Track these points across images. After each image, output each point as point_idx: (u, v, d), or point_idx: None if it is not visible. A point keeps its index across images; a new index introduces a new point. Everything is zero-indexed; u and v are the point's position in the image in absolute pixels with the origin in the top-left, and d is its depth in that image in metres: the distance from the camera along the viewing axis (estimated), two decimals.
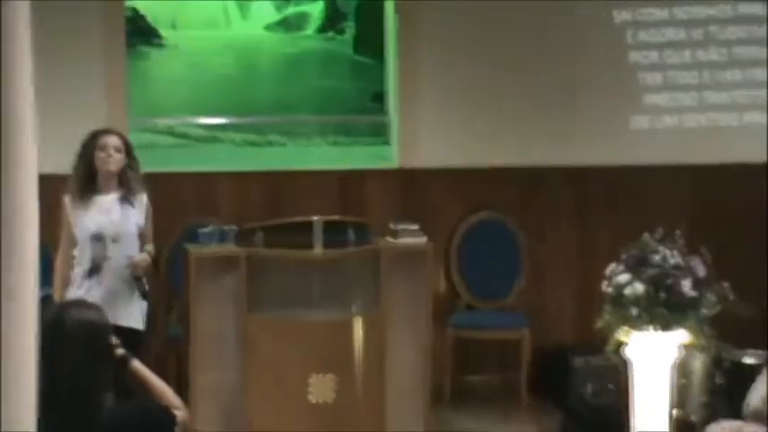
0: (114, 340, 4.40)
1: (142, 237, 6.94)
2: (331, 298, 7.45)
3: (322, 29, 9.40)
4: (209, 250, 7.40)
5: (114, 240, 6.80)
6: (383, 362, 7.47)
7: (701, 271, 7.06)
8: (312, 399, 7.19)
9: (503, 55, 9.16)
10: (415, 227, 7.73)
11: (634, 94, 9.44)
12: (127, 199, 6.87)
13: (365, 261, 7.52)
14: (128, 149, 6.92)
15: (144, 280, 6.86)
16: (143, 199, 6.98)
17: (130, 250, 6.83)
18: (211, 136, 9.35)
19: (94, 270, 6.77)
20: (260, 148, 9.27)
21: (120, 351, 4.41)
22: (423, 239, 7.69)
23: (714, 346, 7.23)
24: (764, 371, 5.85)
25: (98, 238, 6.78)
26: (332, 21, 9.55)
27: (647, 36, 9.42)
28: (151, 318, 7.03)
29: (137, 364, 4.49)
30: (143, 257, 6.85)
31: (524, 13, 9.04)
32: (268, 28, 9.36)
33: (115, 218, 6.82)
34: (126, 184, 6.89)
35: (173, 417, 4.31)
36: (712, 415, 6.83)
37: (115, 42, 8.66)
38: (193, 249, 7.41)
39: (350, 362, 7.39)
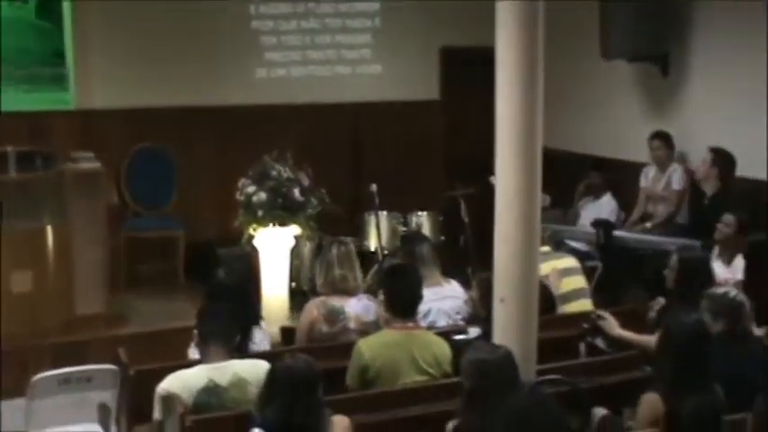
0: None
1: None
2: (26, 212, 7.32)
3: None
4: None
5: None
6: (71, 259, 7.45)
7: (306, 182, 7.37)
8: (14, 290, 7.08)
9: (159, 21, 9.07)
10: (91, 155, 7.68)
11: (257, 51, 9.59)
12: None
13: (52, 182, 7.44)
14: None
15: None
16: None
17: None
18: None
19: None
20: None
21: None
22: (97, 164, 7.66)
23: (317, 236, 7.60)
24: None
25: None
26: None
27: (264, 9, 9.59)
28: None
29: None
30: None
31: None
32: None
33: None
34: None
35: None
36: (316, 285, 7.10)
37: None
38: None
39: (44, 261, 7.33)
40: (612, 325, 5.72)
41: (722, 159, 7.84)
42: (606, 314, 5.80)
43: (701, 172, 7.98)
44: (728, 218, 7.11)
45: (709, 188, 7.87)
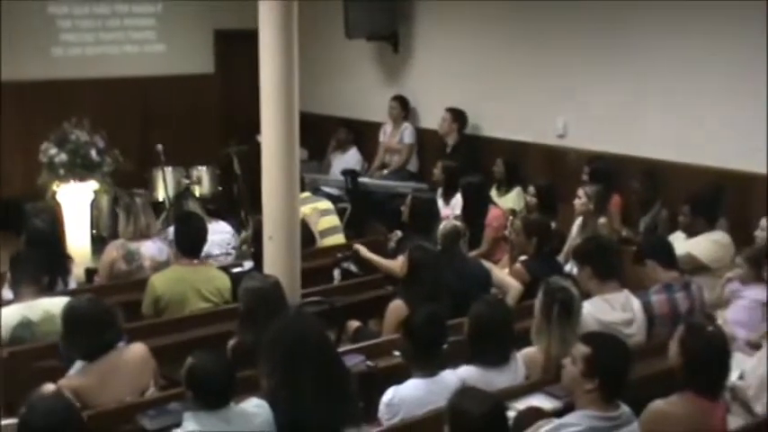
0: None
1: None
2: None
3: None
4: None
5: None
6: None
7: (102, 144, 7.08)
8: None
9: None
10: None
11: (54, 33, 8.99)
12: None
13: None
14: None
15: None
16: None
17: None
18: None
19: None
20: None
21: None
22: None
23: (113, 191, 7.29)
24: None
25: None
26: None
27: None
28: None
29: None
30: None
31: None
32: None
33: None
34: None
35: None
36: (114, 232, 6.81)
37: None
38: None
39: None
40: (365, 250, 5.84)
41: (457, 116, 8.13)
42: (359, 246, 5.92)
43: (443, 128, 8.20)
44: (438, 166, 7.40)
45: (451, 140, 8.14)
